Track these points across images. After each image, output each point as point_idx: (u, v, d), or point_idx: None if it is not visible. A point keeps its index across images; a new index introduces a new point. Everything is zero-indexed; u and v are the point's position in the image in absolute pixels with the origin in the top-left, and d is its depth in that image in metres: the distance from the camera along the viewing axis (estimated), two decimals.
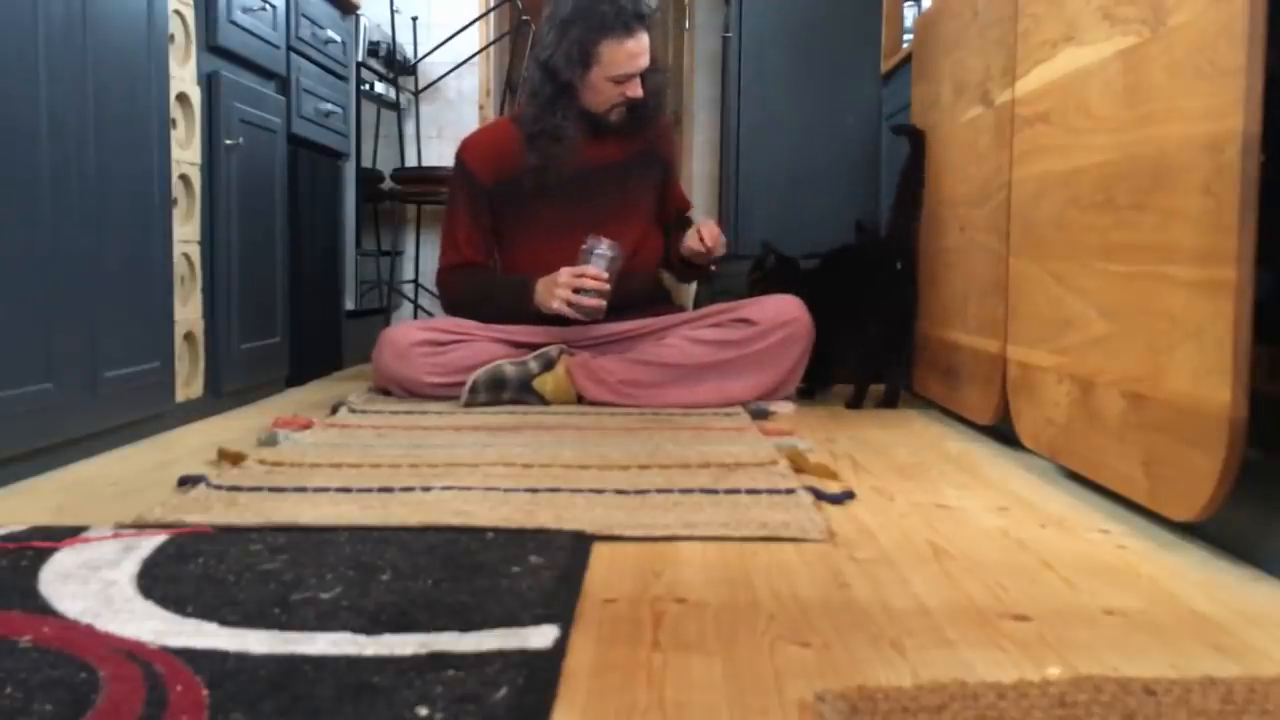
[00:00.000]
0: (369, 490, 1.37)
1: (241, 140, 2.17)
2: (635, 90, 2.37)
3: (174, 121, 1.91)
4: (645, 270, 2.51)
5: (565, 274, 2.28)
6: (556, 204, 2.42)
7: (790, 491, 1.39)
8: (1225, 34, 1.05)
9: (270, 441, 1.73)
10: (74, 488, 1.45)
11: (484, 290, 2.47)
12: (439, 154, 4.07)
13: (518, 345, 2.36)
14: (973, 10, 1.99)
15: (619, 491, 1.38)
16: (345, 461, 1.57)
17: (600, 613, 0.94)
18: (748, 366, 2.26)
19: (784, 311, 2.31)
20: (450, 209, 2.54)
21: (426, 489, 1.38)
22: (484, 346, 2.33)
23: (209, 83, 2.06)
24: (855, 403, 2.36)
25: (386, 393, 2.36)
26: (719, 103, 3.76)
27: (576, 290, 2.26)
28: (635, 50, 2.35)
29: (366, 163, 3.52)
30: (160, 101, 1.82)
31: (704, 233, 2.41)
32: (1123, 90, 1.30)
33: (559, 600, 0.94)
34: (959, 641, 0.88)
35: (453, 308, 2.52)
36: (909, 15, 2.98)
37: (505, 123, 2.57)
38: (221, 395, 2.13)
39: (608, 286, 2.27)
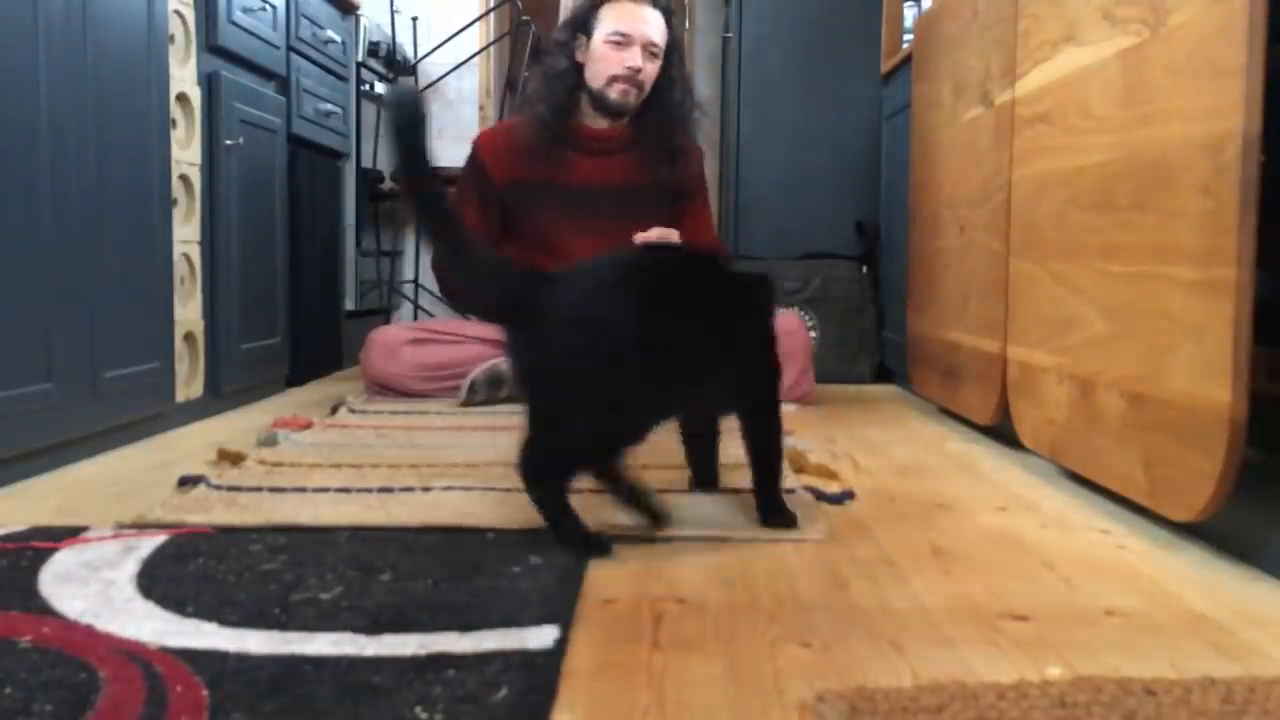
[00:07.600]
0: (369, 490, 1.37)
1: (241, 140, 2.17)
2: (635, 60, 2.32)
3: (174, 122, 1.91)
4: None
5: None
6: (560, 215, 2.38)
7: (790, 491, 1.39)
8: (1225, 34, 1.05)
9: (270, 441, 1.73)
10: (74, 488, 1.44)
11: None
12: (439, 154, 4.07)
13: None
14: (973, 10, 1.98)
15: None
16: (345, 461, 1.57)
17: (600, 613, 0.94)
18: None
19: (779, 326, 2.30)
20: (457, 199, 2.50)
21: (426, 489, 1.38)
22: (472, 347, 2.33)
23: (209, 83, 2.06)
24: None
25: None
26: (719, 103, 3.75)
27: None
28: (635, 12, 2.33)
29: (366, 163, 3.51)
30: (160, 102, 1.82)
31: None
32: (1123, 90, 1.30)
33: (559, 600, 0.94)
34: (958, 641, 0.88)
35: (446, 291, 2.52)
36: (909, 15, 2.97)
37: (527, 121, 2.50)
38: (221, 395, 2.13)
39: None
